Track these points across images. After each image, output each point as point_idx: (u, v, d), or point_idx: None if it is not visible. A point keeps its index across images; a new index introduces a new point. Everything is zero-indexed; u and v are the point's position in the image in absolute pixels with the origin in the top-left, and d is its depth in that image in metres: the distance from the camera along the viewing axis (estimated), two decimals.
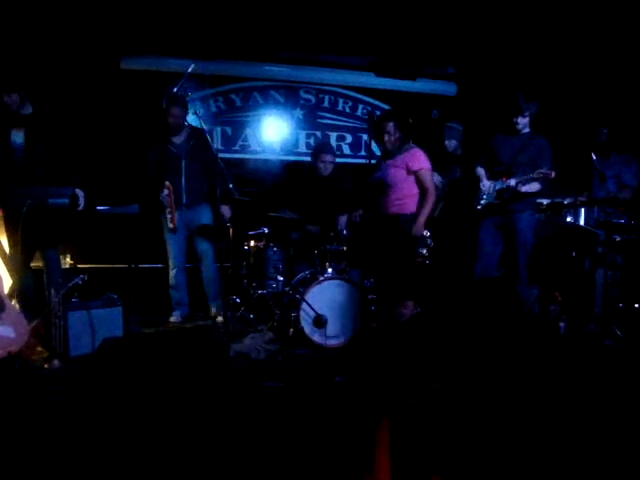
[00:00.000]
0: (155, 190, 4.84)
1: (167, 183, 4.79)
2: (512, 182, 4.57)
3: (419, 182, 4.37)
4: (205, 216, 4.97)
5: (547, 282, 5.07)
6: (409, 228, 4.30)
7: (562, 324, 4.82)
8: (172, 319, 5.03)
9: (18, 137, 4.16)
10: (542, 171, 4.39)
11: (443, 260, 5.03)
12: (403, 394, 3.33)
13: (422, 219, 4.31)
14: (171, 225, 4.84)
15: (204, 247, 5.00)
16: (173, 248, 5.00)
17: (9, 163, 4.16)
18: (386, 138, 4.38)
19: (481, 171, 4.90)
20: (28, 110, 4.21)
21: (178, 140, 4.93)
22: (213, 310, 5.11)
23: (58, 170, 4.26)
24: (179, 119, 4.82)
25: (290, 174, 6.05)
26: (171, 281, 5.06)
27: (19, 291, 4.00)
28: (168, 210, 4.83)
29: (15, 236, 3.89)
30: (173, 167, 4.86)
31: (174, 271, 5.03)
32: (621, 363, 4.16)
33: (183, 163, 4.85)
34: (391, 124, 4.35)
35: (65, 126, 4.39)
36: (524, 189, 4.55)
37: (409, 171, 4.35)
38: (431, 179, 4.43)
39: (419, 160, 4.36)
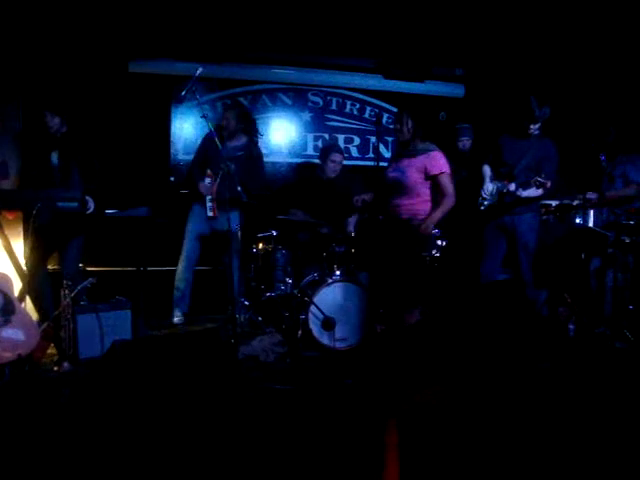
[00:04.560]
0: (195, 177, 4.92)
1: (209, 171, 4.85)
2: (512, 187, 4.53)
3: (438, 186, 4.23)
4: (234, 222, 4.81)
5: (556, 284, 5.04)
6: (421, 232, 4.17)
7: (571, 326, 4.80)
8: (175, 320, 4.99)
9: (54, 158, 4.29)
10: (539, 179, 4.30)
11: (451, 262, 5.01)
12: (410, 396, 3.33)
13: (434, 218, 4.18)
14: (211, 213, 4.88)
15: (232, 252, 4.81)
16: (189, 244, 5.01)
17: (49, 184, 4.25)
18: (398, 127, 4.30)
19: (487, 170, 4.86)
20: (63, 129, 4.33)
21: (230, 144, 4.95)
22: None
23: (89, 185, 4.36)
24: (229, 122, 4.96)
25: (298, 176, 6.06)
26: (177, 276, 5.04)
27: (33, 293, 4.01)
28: (209, 198, 4.87)
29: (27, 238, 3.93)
30: (214, 166, 4.84)
31: (183, 268, 5.02)
32: (632, 365, 4.14)
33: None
34: (404, 113, 4.29)
35: (96, 139, 4.53)
36: (525, 194, 4.50)
37: (427, 175, 4.21)
38: (451, 183, 4.26)
39: (439, 164, 4.22)
